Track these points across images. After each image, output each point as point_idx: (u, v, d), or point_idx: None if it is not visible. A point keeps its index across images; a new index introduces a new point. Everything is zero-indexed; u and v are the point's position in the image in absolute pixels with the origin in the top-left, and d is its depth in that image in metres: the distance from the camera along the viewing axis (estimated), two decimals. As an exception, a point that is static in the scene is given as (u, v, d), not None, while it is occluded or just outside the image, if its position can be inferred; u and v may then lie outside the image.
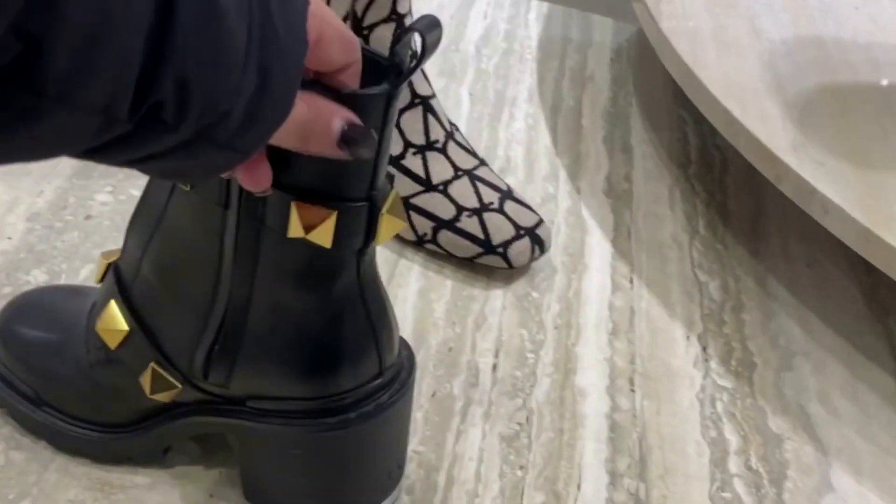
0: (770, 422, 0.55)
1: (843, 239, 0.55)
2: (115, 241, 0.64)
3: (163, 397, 0.44)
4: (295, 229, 0.37)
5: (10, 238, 0.63)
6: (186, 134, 0.26)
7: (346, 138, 0.33)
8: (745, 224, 0.71)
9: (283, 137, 0.32)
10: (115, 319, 0.44)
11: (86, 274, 0.61)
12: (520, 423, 0.54)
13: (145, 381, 0.44)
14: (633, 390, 0.57)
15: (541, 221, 0.64)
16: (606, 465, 0.52)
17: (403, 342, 0.46)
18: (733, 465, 0.53)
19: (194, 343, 0.42)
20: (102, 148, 0.25)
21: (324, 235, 0.37)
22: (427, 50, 0.35)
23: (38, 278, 0.60)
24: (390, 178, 0.40)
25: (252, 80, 0.27)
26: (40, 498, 0.47)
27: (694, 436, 0.54)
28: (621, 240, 0.69)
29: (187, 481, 0.49)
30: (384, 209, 0.38)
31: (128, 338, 0.44)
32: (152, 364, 0.43)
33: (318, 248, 0.38)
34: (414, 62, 0.35)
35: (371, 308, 0.42)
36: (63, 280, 0.60)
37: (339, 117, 0.33)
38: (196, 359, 0.43)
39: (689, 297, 0.64)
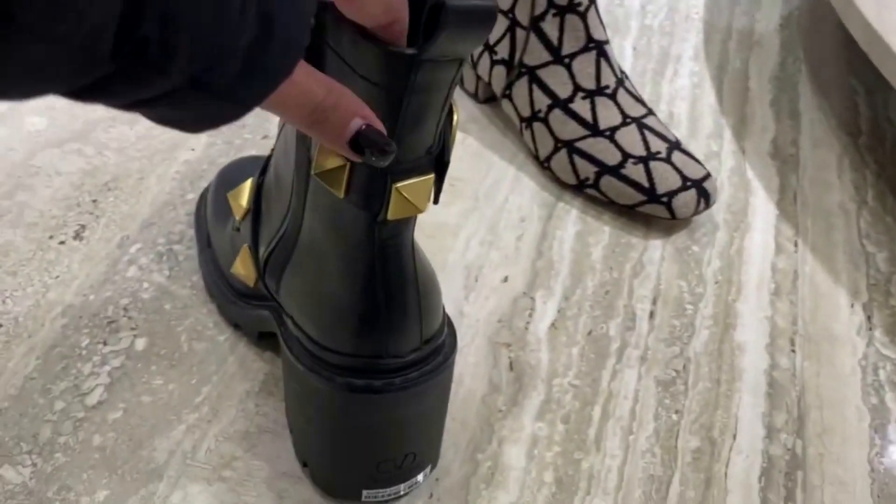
0: (936, 396, 0.54)
1: None
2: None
3: (245, 278, 0.48)
4: (317, 166, 0.36)
5: (193, 150, 0.67)
6: (178, 79, 0.24)
7: (361, 140, 0.31)
8: (918, 199, 0.69)
9: (292, 111, 0.30)
10: (243, 195, 0.48)
11: (262, 188, 0.64)
12: (676, 371, 0.54)
13: (239, 258, 0.49)
14: (793, 351, 0.56)
15: (708, 175, 0.63)
16: (763, 419, 0.52)
17: (450, 327, 0.44)
18: (893, 432, 0.51)
19: (268, 242, 0.45)
20: (91, 89, 0.24)
21: (336, 183, 0.36)
22: (450, 21, 0.30)
23: (218, 188, 0.64)
24: (438, 160, 0.37)
25: (252, 25, 0.25)
26: (219, 385, 0.50)
27: (854, 401, 0.53)
28: (786, 203, 0.67)
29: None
30: (399, 185, 0.36)
31: (245, 214, 0.48)
32: (246, 245, 0.48)
33: (337, 199, 0.37)
34: (441, 31, 0.31)
35: (391, 281, 0.39)
36: (241, 192, 0.63)
37: (359, 115, 0.31)
38: (262, 254, 0.46)
39: (855, 265, 0.62)
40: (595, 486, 0.47)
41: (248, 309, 0.51)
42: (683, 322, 0.57)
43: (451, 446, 0.49)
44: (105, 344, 0.52)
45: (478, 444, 0.49)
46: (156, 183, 0.63)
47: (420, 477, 0.46)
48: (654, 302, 0.58)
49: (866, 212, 0.67)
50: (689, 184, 0.62)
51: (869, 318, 0.59)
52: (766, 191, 0.68)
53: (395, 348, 0.41)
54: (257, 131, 0.69)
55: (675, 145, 0.64)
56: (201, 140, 0.68)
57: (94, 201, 0.61)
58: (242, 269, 0.49)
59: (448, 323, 0.44)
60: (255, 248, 0.47)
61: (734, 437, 0.51)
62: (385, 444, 0.43)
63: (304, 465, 0.46)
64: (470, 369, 0.53)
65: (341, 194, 0.36)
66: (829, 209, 0.67)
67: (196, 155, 0.66)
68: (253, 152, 0.67)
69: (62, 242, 0.58)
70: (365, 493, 0.45)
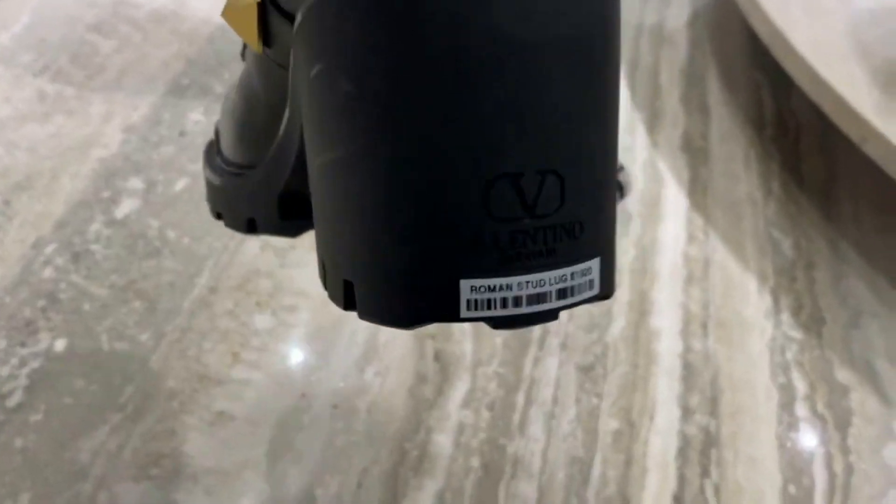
0: (837, 373, 0.57)
1: (925, 201, 0.56)
2: (209, 157, 0.66)
3: (244, 27, 0.27)
4: None
5: (106, 147, 0.66)
6: None
7: None
8: (818, 188, 0.72)
9: None
10: None
11: (181, 185, 0.63)
12: (595, 356, 0.56)
13: None
14: (705, 335, 0.58)
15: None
16: (679, 401, 0.54)
17: None
18: (800, 409, 0.54)
19: None
20: None
21: None
22: None
23: (135, 185, 0.63)
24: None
25: None
26: (143, 384, 0.50)
27: (763, 381, 0.56)
28: (697, 194, 0.70)
29: (282, 380, 0.51)
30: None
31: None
32: None
33: None
34: None
35: None
36: (159, 190, 0.63)
37: None
38: None
39: (763, 253, 0.65)
40: (520, 469, 0.49)
41: (261, 166, 0.33)
42: (601, 310, 0.59)
43: (378, 437, 0.49)
44: (23, 346, 0.51)
45: (405, 434, 0.50)
46: (69, 181, 0.62)
47: (577, 274, 0.22)
48: (574, 291, 0.60)
49: (772, 201, 0.70)
50: (604, 176, 0.64)
51: (776, 302, 0.61)
52: (678, 183, 0.71)
53: None
54: (173, 127, 0.68)
55: (590, 139, 0.66)
56: (115, 137, 0.67)
57: (7, 202, 0.60)
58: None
59: None
60: None
61: (651, 418, 0.52)
62: (495, 114, 0.20)
63: (348, 296, 0.22)
64: (396, 362, 0.54)
65: None
66: (738, 199, 0.70)
67: (110, 152, 0.65)
68: (169, 149, 0.66)
69: (-27, 243, 0.57)
70: (467, 287, 0.20)
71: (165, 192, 0.63)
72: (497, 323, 0.21)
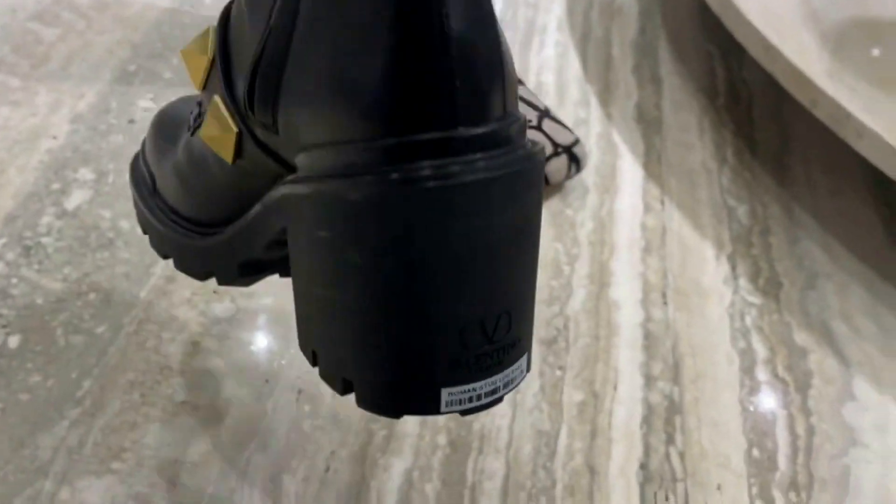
0: (795, 336, 0.58)
1: (875, 163, 0.57)
2: (160, 145, 0.65)
3: (220, 143, 0.34)
4: None
5: (55, 137, 0.64)
6: None
7: None
8: (772, 155, 0.73)
9: None
10: (205, 42, 0.35)
11: (132, 174, 0.62)
12: (557, 329, 0.56)
13: (208, 116, 0.35)
14: (665, 303, 0.59)
15: (577, 140, 0.65)
16: (641, 370, 0.54)
17: None
18: (761, 373, 0.55)
19: (249, 67, 0.32)
20: None
21: None
22: None
23: (85, 176, 0.62)
24: None
25: None
26: (101, 378, 0.49)
27: (724, 346, 0.56)
28: (652, 164, 0.70)
29: (244, 368, 0.51)
30: None
31: (209, 69, 0.35)
32: (217, 95, 0.34)
33: None
34: None
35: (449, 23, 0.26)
36: (110, 180, 0.61)
37: None
38: (242, 90, 0.32)
39: (718, 220, 0.66)
40: (487, 444, 0.49)
41: (225, 232, 0.38)
42: (561, 283, 0.59)
43: (344, 419, 0.49)
44: (-25, 343, 0.50)
45: (371, 416, 0.49)
46: (17, 174, 0.61)
47: (516, 371, 0.31)
48: (534, 265, 0.60)
49: (727, 169, 0.71)
50: (559, 150, 0.64)
51: (734, 268, 0.62)
52: (633, 154, 0.71)
53: (470, 106, 0.27)
54: (122, 115, 0.67)
55: (544, 113, 0.66)
56: (63, 128, 0.65)
57: (-48, 197, 0.58)
58: (215, 128, 0.34)
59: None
60: (230, 94, 0.33)
61: (615, 388, 0.53)
62: (468, 285, 0.28)
63: (346, 388, 0.30)
64: (358, 343, 0.53)
65: None
66: (692, 168, 0.71)
67: (59, 143, 0.64)
68: (119, 137, 0.65)
69: (-81, 241, 0.55)
70: (445, 394, 0.29)
71: (117, 181, 0.61)
72: (464, 412, 0.29)
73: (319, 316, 0.30)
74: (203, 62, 0.35)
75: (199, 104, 0.37)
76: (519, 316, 0.30)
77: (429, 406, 0.29)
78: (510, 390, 0.31)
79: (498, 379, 0.30)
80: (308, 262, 0.30)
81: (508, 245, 0.28)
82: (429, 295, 0.28)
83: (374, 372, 0.29)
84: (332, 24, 0.28)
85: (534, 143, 0.30)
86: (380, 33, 0.27)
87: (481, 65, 0.27)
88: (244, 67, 0.32)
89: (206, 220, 0.39)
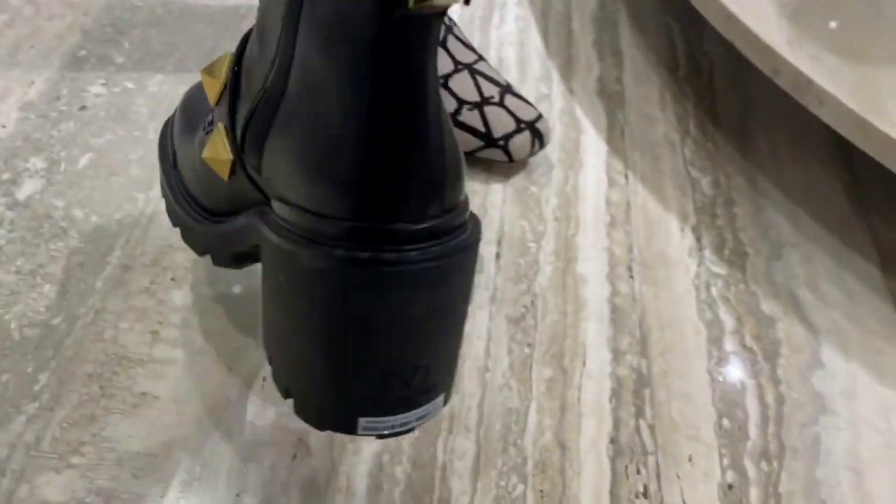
0: (762, 305, 0.58)
1: (837, 128, 0.57)
2: (112, 132, 0.63)
3: (218, 164, 0.40)
4: None
5: (4, 126, 0.63)
6: None
7: None
8: (734, 126, 0.73)
9: None
10: (220, 67, 0.40)
11: (85, 162, 0.61)
12: (525, 307, 0.55)
13: (211, 139, 0.40)
14: (631, 277, 0.58)
15: (540, 116, 0.64)
16: (609, 344, 0.54)
17: (472, 217, 0.37)
18: (729, 343, 0.55)
19: (247, 111, 0.37)
20: None
21: None
22: None
23: (36, 165, 0.60)
24: None
25: None
26: (58, 371, 0.48)
27: (691, 318, 0.56)
28: (615, 138, 0.70)
29: (206, 356, 0.50)
30: None
31: (222, 92, 0.40)
32: (221, 124, 0.39)
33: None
34: None
35: (410, 109, 0.31)
36: (62, 168, 0.60)
37: None
38: (239, 126, 0.38)
39: (683, 192, 0.66)
40: (457, 424, 0.48)
41: (220, 225, 0.43)
42: (528, 260, 0.59)
43: (310, 405, 0.48)
44: (-76, 340, 0.48)
45: (337, 400, 0.49)
46: (-35, 165, 0.59)
47: (431, 408, 0.37)
48: (499, 244, 0.59)
49: (689, 141, 0.71)
50: (522, 126, 0.63)
51: (698, 239, 0.62)
52: (596, 128, 0.71)
53: (412, 207, 0.32)
54: (73, 102, 0.65)
55: (506, 89, 0.65)
56: (12, 116, 0.63)
57: None
58: (215, 151, 0.40)
59: (467, 204, 0.36)
60: (231, 126, 0.38)
61: (584, 363, 0.52)
62: (390, 346, 0.34)
63: (287, 394, 0.37)
64: (323, 326, 0.52)
65: None
66: (655, 141, 0.70)
67: (8, 132, 0.62)
68: (70, 124, 0.63)
69: None
70: (362, 421, 0.35)
71: (69, 169, 0.60)
72: (379, 437, 0.36)
73: (274, 329, 0.37)
74: (216, 86, 0.40)
75: (212, 113, 0.42)
76: (437, 369, 0.36)
77: (347, 427, 0.35)
78: (424, 423, 0.37)
79: (411, 415, 0.36)
80: (268, 287, 0.36)
81: (430, 317, 0.34)
82: (357, 348, 0.34)
83: (307, 392, 0.36)
84: (311, 107, 0.33)
85: (473, 227, 0.35)
86: (349, 128, 0.31)
87: (427, 172, 0.32)
88: (250, 96, 0.37)
89: (208, 207, 0.45)
